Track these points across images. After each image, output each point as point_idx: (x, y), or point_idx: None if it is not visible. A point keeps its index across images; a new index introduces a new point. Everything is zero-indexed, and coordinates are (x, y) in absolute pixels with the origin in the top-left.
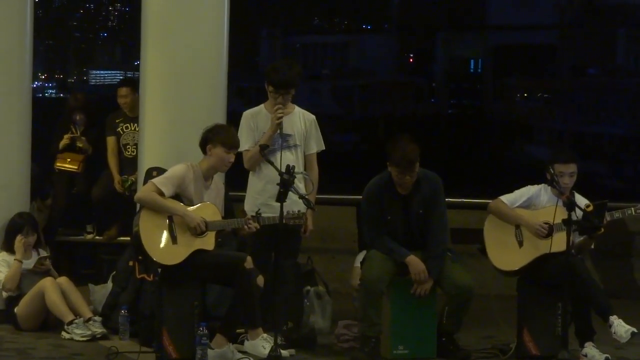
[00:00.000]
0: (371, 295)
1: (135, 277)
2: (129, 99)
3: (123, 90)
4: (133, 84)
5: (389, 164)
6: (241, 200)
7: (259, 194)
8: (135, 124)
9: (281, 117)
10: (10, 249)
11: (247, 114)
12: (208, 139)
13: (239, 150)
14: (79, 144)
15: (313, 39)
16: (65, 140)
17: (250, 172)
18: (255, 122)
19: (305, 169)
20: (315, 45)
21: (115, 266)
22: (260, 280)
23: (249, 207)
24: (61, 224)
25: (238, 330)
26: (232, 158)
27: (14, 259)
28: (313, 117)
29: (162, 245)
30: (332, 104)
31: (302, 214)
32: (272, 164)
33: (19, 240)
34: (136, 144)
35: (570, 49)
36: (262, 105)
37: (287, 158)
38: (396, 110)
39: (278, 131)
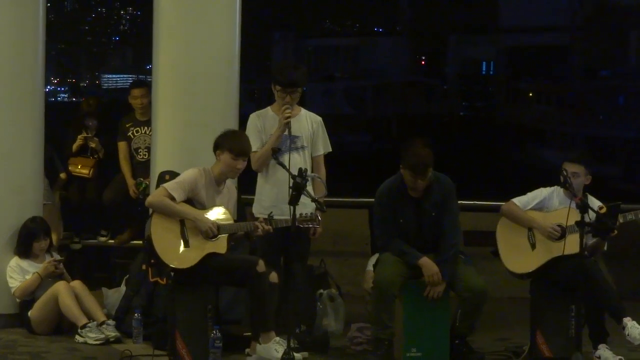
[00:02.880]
0: (384, 298)
1: (148, 281)
2: (145, 100)
3: (137, 91)
4: (146, 86)
5: (402, 167)
6: (252, 203)
7: (268, 197)
8: (146, 127)
9: (289, 117)
10: (23, 254)
11: (253, 115)
12: (218, 144)
13: None
14: (92, 144)
15: (325, 41)
16: (78, 141)
17: (259, 174)
18: (262, 123)
19: (312, 171)
20: (327, 48)
21: (128, 270)
22: (273, 276)
23: (258, 209)
24: (74, 228)
25: (245, 334)
26: (240, 164)
27: (35, 273)
28: (320, 118)
29: (174, 249)
30: (345, 105)
31: (316, 216)
32: (284, 167)
33: (48, 262)
34: (147, 148)
35: (583, 51)
36: (268, 107)
37: (295, 160)
38: (408, 112)
39: (286, 132)
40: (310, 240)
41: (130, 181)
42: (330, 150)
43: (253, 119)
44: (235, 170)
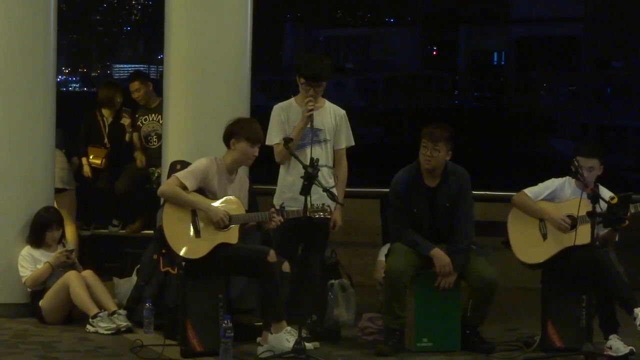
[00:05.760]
0: (395, 288)
1: (159, 271)
2: (142, 92)
3: (135, 85)
4: (142, 77)
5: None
6: (266, 193)
7: (289, 188)
8: (154, 114)
9: (312, 110)
10: (35, 244)
11: (277, 107)
12: (232, 133)
13: (270, 144)
14: (125, 120)
15: (337, 32)
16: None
17: (281, 166)
18: (286, 115)
19: (334, 164)
20: (339, 39)
21: (139, 259)
22: (286, 266)
23: (278, 200)
24: (86, 217)
25: (256, 324)
26: (256, 152)
27: (46, 262)
28: (343, 112)
29: (185, 239)
30: (356, 97)
31: (327, 207)
32: (296, 157)
33: (60, 251)
34: (157, 134)
35: (594, 41)
36: (292, 99)
37: (317, 153)
38: (420, 103)
39: (309, 125)
40: (328, 233)
41: (140, 157)
42: (353, 144)
43: (277, 111)
44: (252, 157)
